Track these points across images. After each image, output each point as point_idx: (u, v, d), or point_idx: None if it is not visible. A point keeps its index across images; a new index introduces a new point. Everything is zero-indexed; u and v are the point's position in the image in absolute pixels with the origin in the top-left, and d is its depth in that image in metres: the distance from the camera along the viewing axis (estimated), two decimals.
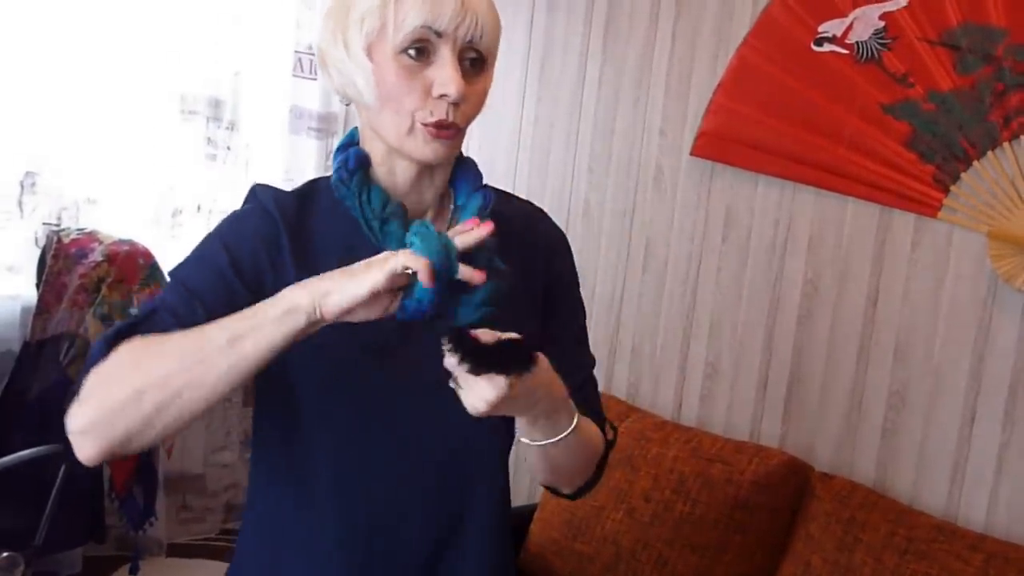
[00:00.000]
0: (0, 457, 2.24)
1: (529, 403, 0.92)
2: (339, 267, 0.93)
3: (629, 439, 2.20)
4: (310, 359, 1.00)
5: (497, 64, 1.06)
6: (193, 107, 3.05)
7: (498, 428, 1.06)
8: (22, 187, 2.75)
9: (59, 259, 2.45)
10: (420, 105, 0.97)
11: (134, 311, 1.00)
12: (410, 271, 0.88)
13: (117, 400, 0.88)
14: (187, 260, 1.03)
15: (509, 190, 1.20)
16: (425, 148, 0.99)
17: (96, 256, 2.37)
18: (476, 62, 0.99)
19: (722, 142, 2.25)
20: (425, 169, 1.04)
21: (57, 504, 2.19)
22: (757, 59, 2.17)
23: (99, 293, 2.34)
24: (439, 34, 0.96)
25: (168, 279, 1.03)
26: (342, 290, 0.87)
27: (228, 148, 3.14)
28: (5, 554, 2.13)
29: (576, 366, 1.10)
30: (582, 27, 2.58)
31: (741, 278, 2.26)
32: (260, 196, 1.05)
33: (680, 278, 2.38)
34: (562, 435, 0.98)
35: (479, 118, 1.08)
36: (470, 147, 1.12)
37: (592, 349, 1.17)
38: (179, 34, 2.96)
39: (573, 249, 1.20)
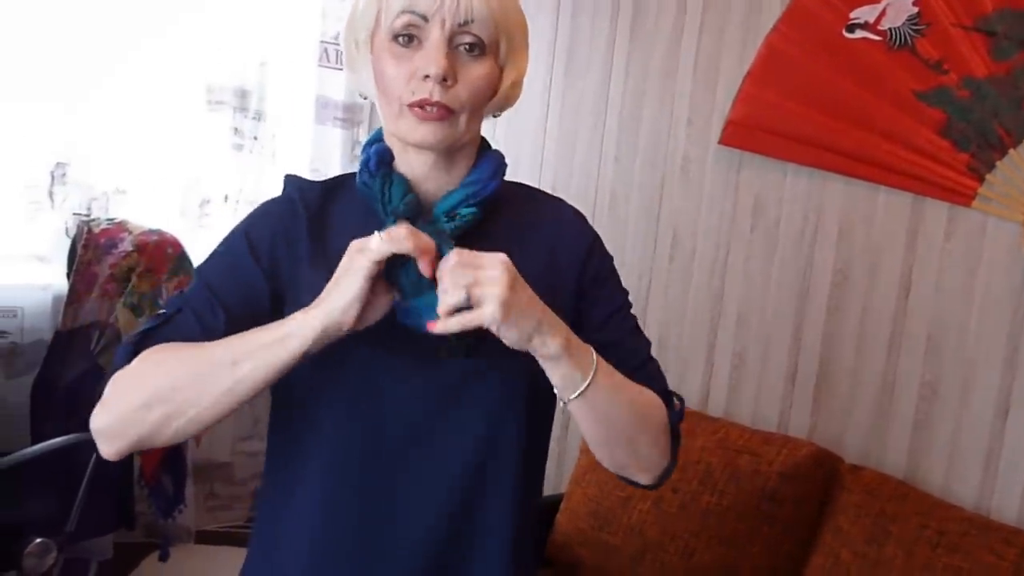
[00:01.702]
0: (33, 445, 2.27)
1: (533, 308, 0.92)
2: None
3: None
4: (316, 366, 1.00)
5: (526, 57, 1.06)
6: (220, 97, 3.06)
7: (512, 438, 1.05)
8: (52, 178, 2.78)
9: (89, 249, 2.47)
10: (405, 88, 0.98)
11: (161, 305, 1.01)
12: (383, 256, 0.90)
13: (129, 409, 0.93)
14: (213, 253, 1.06)
15: (535, 181, 1.19)
16: (415, 131, 0.99)
17: (126, 246, 2.39)
18: (473, 47, 0.98)
19: (751, 131, 2.23)
20: (438, 159, 1.03)
21: (88, 492, 2.22)
22: (787, 47, 2.15)
23: (129, 283, 2.36)
24: (424, 18, 0.97)
25: (195, 272, 1.06)
26: (340, 288, 0.90)
27: (255, 138, 3.15)
28: (37, 540, 2.15)
29: (630, 353, 1.08)
30: (609, 16, 2.56)
31: (769, 268, 2.24)
32: (288, 186, 1.08)
33: (707, 268, 2.36)
34: (591, 374, 0.96)
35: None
36: (495, 139, 1.11)
37: None
38: (205, 25, 2.97)
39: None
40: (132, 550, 2.73)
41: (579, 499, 2.25)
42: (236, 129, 3.11)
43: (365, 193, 1.04)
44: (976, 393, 1.90)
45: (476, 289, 0.89)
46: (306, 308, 0.92)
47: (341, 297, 0.90)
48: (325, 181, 1.10)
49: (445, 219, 1.01)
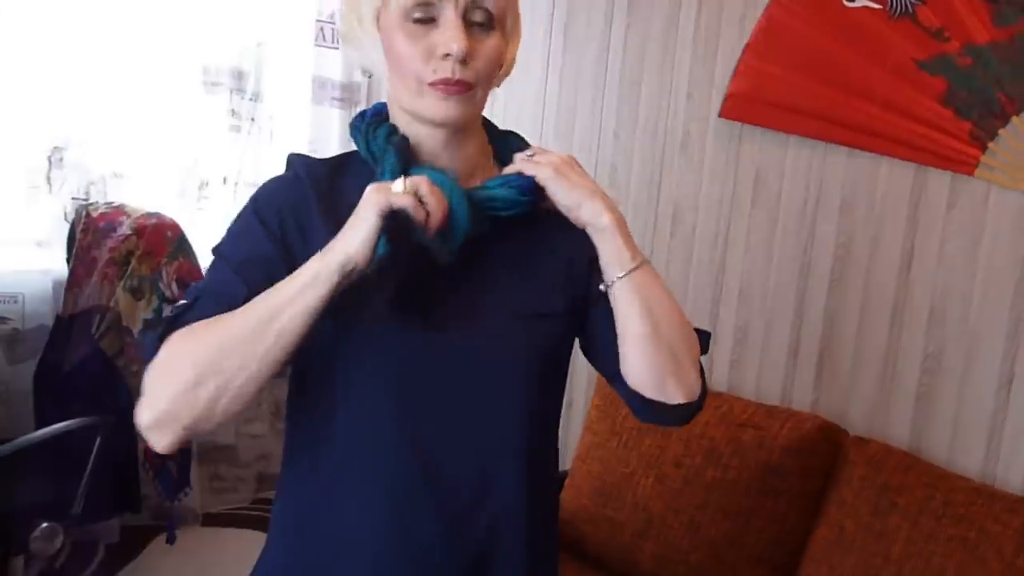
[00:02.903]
0: (37, 430, 2.28)
1: (588, 183, 1.06)
2: None
3: None
4: (353, 342, 1.01)
5: (521, 29, 1.07)
6: (216, 79, 3.04)
7: (526, 435, 1.06)
8: (50, 162, 2.77)
9: (88, 233, 2.46)
10: (424, 67, 0.99)
11: (163, 289, 1.01)
12: (396, 208, 0.91)
13: (178, 391, 0.91)
14: (227, 234, 1.05)
15: None
16: (436, 108, 1.00)
17: (124, 230, 2.38)
18: (484, 23, 1.00)
19: (751, 103, 2.21)
20: (451, 136, 1.05)
21: (93, 475, 2.22)
22: (787, 18, 2.12)
23: (128, 266, 2.35)
24: None
25: (213, 253, 1.05)
26: (356, 232, 0.91)
27: (252, 120, 3.13)
28: (44, 525, 2.16)
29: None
30: None
31: (771, 242, 2.23)
32: (294, 164, 1.08)
33: (709, 243, 2.35)
34: (640, 258, 1.04)
35: (503, 86, 1.09)
36: (493, 116, 1.12)
37: None
38: (201, 6, 2.94)
39: None
40: (139, 533, 2.74)
41: (583, 476, 2.26)
42: (233, 111, 3.09)
43: (353, 136, 1.09)
44: (980, 364, 1.89)
45: (540, 155, 1.06)
46: (323, 250, 0.92)
47: (355, 235, 0.91)
48: (329, 159, 1.11)
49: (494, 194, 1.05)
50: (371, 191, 0.92)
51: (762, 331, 2.25)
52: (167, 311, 1.01)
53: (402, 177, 0.93)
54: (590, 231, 1.05)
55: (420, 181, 0.93)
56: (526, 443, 1.07)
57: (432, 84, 0.99)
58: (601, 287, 1.06)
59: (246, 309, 0.93)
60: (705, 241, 2.35)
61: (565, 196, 1.04)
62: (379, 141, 1.04)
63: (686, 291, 2.40)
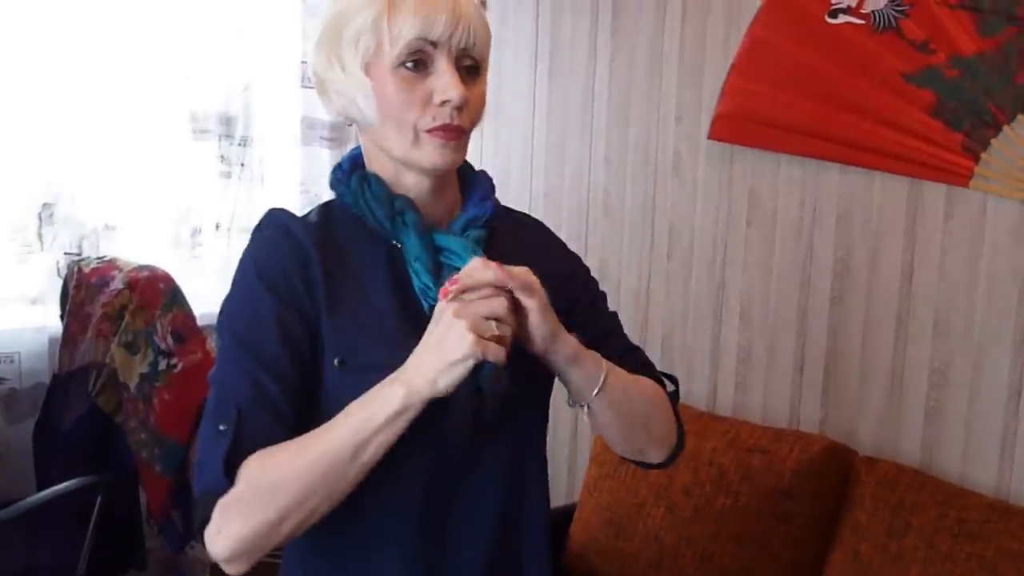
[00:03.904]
0: (38, 492, 2.25)
1: (552, 318, 0.97)
2: (372, 281, 0.99)
3: None
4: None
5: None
6: (204, 126, 3.03)
7: (538, 442, 1.11)
8: (40, 218, 2.76)
9: (81, 289, 2.45)
10: (421, 115, 0.99)
11: (220, 426, 0.94)
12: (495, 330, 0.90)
13: (260, 528, 0.91)
14: (234, 319, 0.99)
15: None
16: (435, 155, 1.00)
17: (117, 284, 2.37)
18: (472, 69, 1.01)
19: (740, 123, 2.20)
20: (438, 181, 1.05)
21: (96, 534, 2.19)
22: (770, 36, 2.11)
23: (122, 321, 2.33)
24: (434, 44, 0.98)
25: (221, 341, 1.00)
26: (449, 374, 0.89)
27: (242, 164, 3.12)
28: None
29: (619, 341, 1.17)
30: (589, 19, 2.53)
31: (769, 261, 2.20)
32: (282, 220, 1.03)
33: (707, 265, 2.33)
34: (603, 373, 1.01)
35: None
36: (483, 149, 1.12)
37: None
38: (185, 53, 2.94)
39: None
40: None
41: (592, 508, 2.22)
42: (223, 156, 3.08)
43: (342, 193, 1.06)
44: (987, 376, 1.86)
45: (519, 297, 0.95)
46: (402, 373, 0.90)
47: (445, 376, 0.89)
48: (315, 212, 1.08)
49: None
50: (463, 329, 0.88)
51: (765, 351, 2.23)
52: (206, 435, 0.95)
53: (493, 323, 0.90)
54: (558, 361, 0.99)
55: (502, 314, 0.91)
56: (545, 489, 1.13)
57: (430, 131, 0.98)
58: (570, 404, 1.05)
59: (323, 442, 0.90)
60: (703, 262, 2.33)
61: (543, 333, 0.97)
62: (381, 203, 1.02)
63: (687, 314, 2.37)
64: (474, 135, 1.07)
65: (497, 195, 1.13)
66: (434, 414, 0.92)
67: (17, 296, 2.74)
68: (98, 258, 2.54)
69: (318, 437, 0.91)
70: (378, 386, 0.91)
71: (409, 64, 0.97)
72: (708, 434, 2.12)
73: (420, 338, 0.97)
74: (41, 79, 2.71)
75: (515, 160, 2.72)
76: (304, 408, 0.97)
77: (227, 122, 3.07)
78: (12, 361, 2.65)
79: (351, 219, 1.05)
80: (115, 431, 2.34)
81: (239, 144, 3.12)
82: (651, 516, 2.09)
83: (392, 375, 0.91)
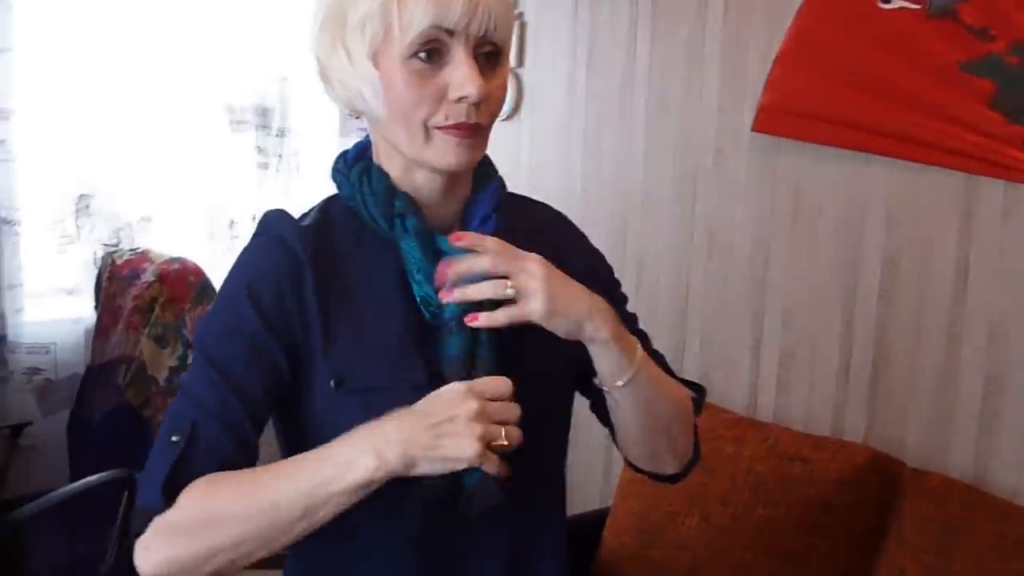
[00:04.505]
0: (72, 482, 2.25)
1: (582, 295, 0.91)
2: (367, 289, 0.92)
3: (702, 438, 2.07)
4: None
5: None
6: (241, 117, 3.02)
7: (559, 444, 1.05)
8: (77, 210, 2.77)
9: (113, 281, 2.44)
10: (433, 112, 0.89)
11: (171, 439, 0.89)
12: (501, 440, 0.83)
13: (188, 560, 0.85)
14: (212, 327, 0.93)
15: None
16: (448, 155, 0.91)
17: (148, 276, 2.36)
18: (491, 55, 0.91)
19: (785, 116, 2.09)
20: (450, 178, 0.96)
21: (123, 529, 2.18)
22: (818, 24, 2.00)
23: (152, 314, 2.32)
24: (450, 32, 0.87)
25: (195, 349, 0.93)
26: (435, 466, 0.81)
27: (279, 156, 3.10)
28: None
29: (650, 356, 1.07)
30: (628, 6, 2.44)
31: (814, 260, 2.10)
32: (276, 227, 0.96)
33: (748, 263, 2.23)
34: (635, 364, 0.94)
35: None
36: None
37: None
38: (223, 44, 2.93)
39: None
40: None
41: (624, 514, 2.15)
42: (260, 148, 3.07)
43: (340, 183, 0.98)
44: None
45: (519, 278, 0.88)
46: (377, 438, 0.81)
47: (429, 467, 0.82)
48: (314, 209, 1.00)
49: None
50: (473, 435, 0.80)
51: (808, 354, 2.12)
52: (159, 444, 0.89)
53: (503, 433, 0.83)
54: (589, 345, 0.93)
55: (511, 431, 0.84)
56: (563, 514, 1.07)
57: (443, 128, 0.89)
58: (596, 383, 0.98)
59: (278, 491, 0.82)
60: (744, 262, 2.24)
61: (565, 327, 0.90)
62: (379, 201, 0.94)
63: (726, 315, 2.28)
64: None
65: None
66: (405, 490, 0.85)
67: (54, 287, 2.75)
68: (131, 250, 2.54)
69: (268, 484, 0.84)
70: (345, 443, 0.83)
71: (422, 55, 0.87)
72: (747, 440, 2.03)
73: (424, 355, 0.91)
74: (80, 73, 2.71)
75: (551, 153, 2.64)
76: (291, 432, 0.92)
77: (264, 113, 3.05)
78: (48, 352, 2.66)
79: (351, 217, 0.98)
80: (143, 426, 2.33)
81: (276, 135, 3.10)
82: (684, 525, 2.01)
83: (365, 431, 0.82)
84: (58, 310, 2.72)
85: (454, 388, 0.83)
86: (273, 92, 3.04)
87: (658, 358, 1.12)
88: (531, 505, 1.01)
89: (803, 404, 2.13)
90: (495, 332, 0.91)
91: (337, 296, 0.93)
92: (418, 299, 0.93)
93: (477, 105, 0.89)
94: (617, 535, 2.15)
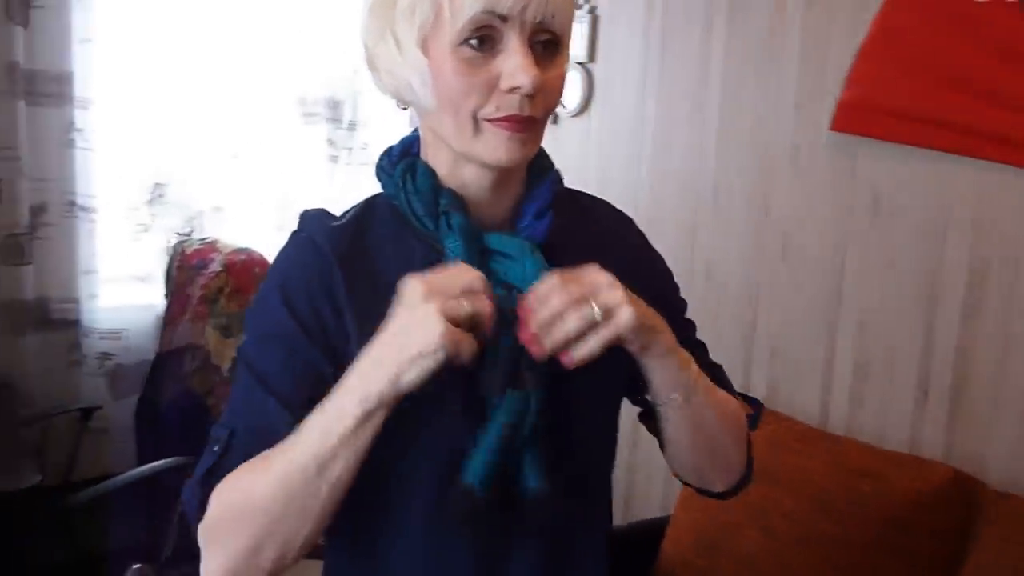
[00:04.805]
0: (139, 467, 2.29)
1: (646, 307, 0.86)
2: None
3: (767, 448, 1.99)
4: (410, 455, 0.88)
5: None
6: (313, 109, 3.04)
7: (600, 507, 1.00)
8: (151, 199, 2.82)
9: (183, 270, 2.48)
10: (483, 102, 0.84)
11: (211, 448, 0.87)
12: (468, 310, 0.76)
13: (239, 562, 0.82)
14: (251, 333, 0.90)
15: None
16: (498, 149, 0.85)
17: (215, 266, 2.38)
18: (549, 44, 0.85)
19: (867, 113, 1.99)
20: (501, 176, 0.91)
21: (182, 517, 2.21)
22: (905, 17, 1.90)
23: (218, 304, 2.34)
24: (504, 18, 0.82)
25: (237, 356, 0.92)
26: (414, 369, 0.76)
27: (349, 149, 3.11)
28: (136, 566, 2.16)
29: (706, 369, 1.01)
30: None
31: (894, 266, 1.99)
32: (309, 227, 0.92)
33: (823, 268, 2.13)
34: (690, 378, 0.90)
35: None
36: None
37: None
38: (295, 37, 2.94)
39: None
40: None
41: (684, 524, 2.08)
42: (330, 141, 3.08)
43: (384, 183, 0.93)
44: None
45: (600, 297, 0.81)
46: (357, 372, 0.79)
47: (407, 371, 0.76)
48: (349, 214, 0.95)
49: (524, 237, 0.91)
50: (432, 313, 0.75)
51: (885, 366, 2.02)
52: (204, 453, 0.87)
53: (465, 303, 0.77)
54: (647, 359, 0.88)
55: (479, 287, 0.78)
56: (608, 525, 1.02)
57: (493, 121, 0.84)
58: (648, 397, 0.93)
59: (285, 458, 0.80)
60: (818, 266, 2.14)
61: (642, 341, 0.85)
62: (424, 199, 0.90)
63: (798, 321, 2.18)
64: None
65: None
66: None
67: (128, 274, 2.81)
68: (200, 240, 2.57)
69: (279, 456, 0.81)
70: (336, 391, 0.80)
71: (473, 42, 0.82)
72: (815, 453, 1.94)
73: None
74: (157, 64, 2.76)
75: (621, 147, 2.58)
76: None
77: (335, 106, 3.06)
78: (120, 338, 2.72)
79: (394, 215, 0.93)
80: (207, 414, 2.36)
81: (347, 128, 3.11)
82: (746, 538, 1.93)
83: (349, 373, 0.79)
84: (131, 297, 2.78)
85: (405, 288, 0.79)
86: (344, 85, 3.05)
87: (715, 369, 1.06)
88: (572, 517, 0.96)
89: (877, 417, 2.03)
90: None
91: (371, 298, 0.87)
92: None
93: (531, 97, 0.83)
94: (676, 545, 2.09)
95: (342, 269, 0.88)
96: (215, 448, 0.85)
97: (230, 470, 0.83)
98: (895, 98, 1.93)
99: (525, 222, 0.93)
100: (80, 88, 2.60)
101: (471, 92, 0.83)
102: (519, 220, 0.93)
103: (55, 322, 2.66)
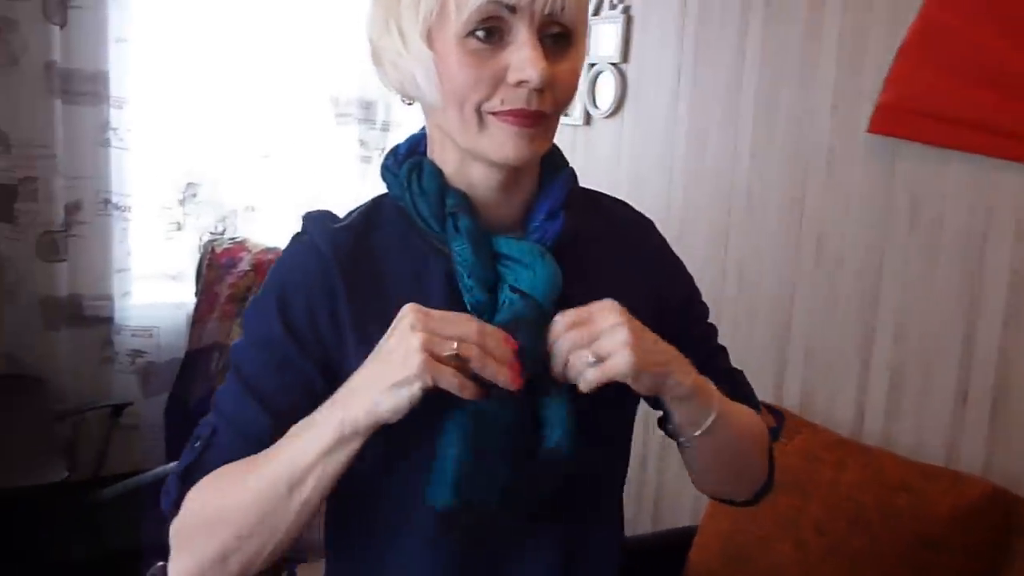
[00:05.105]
0: (168, 463, 2.30)
1: (662, 349, 0.84)
2: (408, 298, 0.81)
3: (798, 459, 1.94)
4: (404, 473, 0.86)
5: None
6: (345, 110, 3.04)
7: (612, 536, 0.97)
8: (184, 198, 2.84)
9: (212, 269, 2.49)
10: (490, 96, 0.81)
11: (193, 444, 0.86)
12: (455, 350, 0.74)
13: (207, 565, 0.81)
14: (246, 336, 0.89)
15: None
16: (505, 145, 0.82)
17: (244, 266, 2.38)
18: (560, 38, 0.82)
19: (906, 115, 1.93)
20: (511, 174, 0.87)
21: None
22: (946, 16, 1.83)
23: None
24: (512, 9, 0.79)
25: (232, 368, 0.90)
26: (391, 398, 0.74)
27: (382, 150, 3.11)
28: (160, 563, 2.17)
29: (727, 376, 1.00)
30: None
31: (932, 272, 1.93)
32: (311, 229, 0.90)
33: (859, 273, 2.07)
34: (713, 414, 0.88)
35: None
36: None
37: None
38: (328, 36, 2.95)
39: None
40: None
41: (711, 534, 2.03)
42: (362, 141, 3.08)
43: (389, 182, 0.91)
44: None
45: (601, 343, 0.79)
46: (342, 393, 0.78)
47: (387, 399, 0.74)
48: (354, 215, 0.93)
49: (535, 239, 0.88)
50: (414, 345, 0.73)
51: (922, 376, 1.95)
52: (185, 449, 0.87)
53: (453, 343, 0.74)
54: (667, 400, 0.86)
55: (486, 336, 0.76)
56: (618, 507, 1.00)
57: (498, 115, 0.81)
58: (670, 429, 0.91)
59: (257, 474, 0.79)
60: (854, 272, 2.08)
61: (650, 383, 0.83)
62: (430, 199, 0.87)
63: (833, 328, 2.12)
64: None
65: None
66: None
67: (160, 272, 2.83)
68: (230, 239, 2.58)
69: (254, 468, 0.80)
70: (321, 406, 0.78)
71: (480, 33, 0.79)
72: (848, 465, 1.89)
73: None
74: (191, 64, 2.78)
75: (654, 148, 2.54)
76: None
77: (367, 107, 3.06)
78: (151, 335, 2.74)
79: (400, 217, 0.90)
80: None
81: (380, 129, 3.11)
82: (776, 551, 1.88)
83: (337, 392, 0.78)
84: (163, 295, 2.80)
85: (399, 315, 0.77)
86: (377, 85, 3.03)
87: (735, 375, 1.03)
88: (583, 528, 0.93)
89: (914, 429, 1.96)
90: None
91: (374, 304, 0.86)
92: (469, 307, 0.85)
93: (540, 92, 0.80)
94: (703, 556, 2.04)
95: (343, 276, 0.86)
96: (196, 445, 0.84)
97: (208, 470, 0.82)
98: (935, 100, 1.87)
99: (536, 223, 0.89)
100: (115, 87, 2.63)
101: (477, 85, 0.80)
102: (531, 220, 0.90)
103: (88, 319, 2.68)
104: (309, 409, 0.81)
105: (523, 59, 0.79)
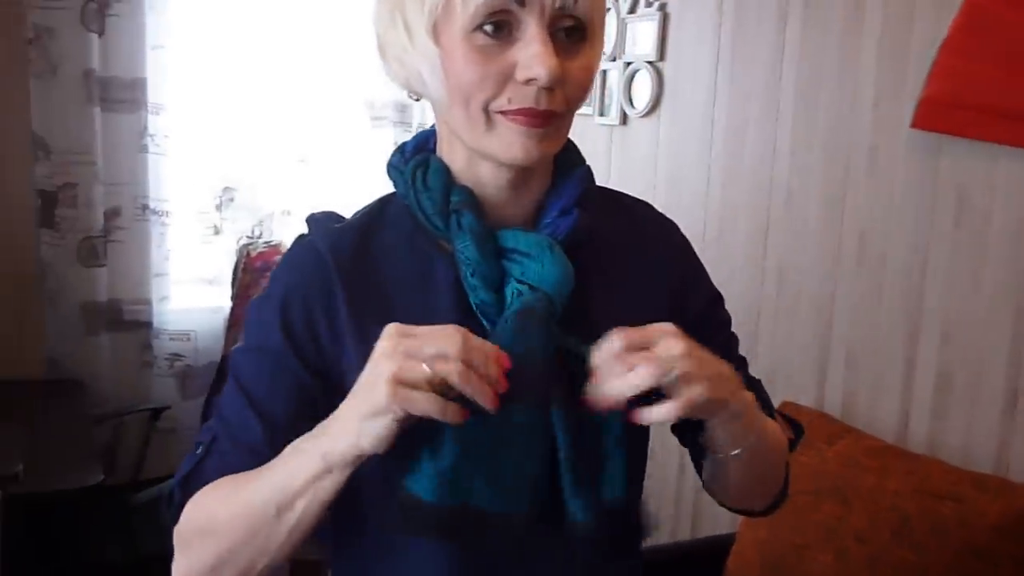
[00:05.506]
0: None
1: (721, 372, 0.79)
2: (411, 301, 0.82)
3: (839, 466, 1.88)
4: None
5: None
6: (381, 113, 3.04)
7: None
8: (221, 203, 2.86)
9: (247, 273, 2.50)
10: (497, 93, 0.77)
11: (195, 451, 0.85)
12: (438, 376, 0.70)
13: (203, 567, 0.81)
14: (245, 341, 0.87)
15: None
16: (513, 145, 0.79)
17: None
18: (574, 32, 0.78)
19: (950, 110, 1.86)
20: (521, 172, 0.84)
21: None
22: (993, 5, 1.77)
23: None
24: (521, 2, 0.75)
25: (230, 375, 0.89)
26: (369, 429, 0.70)
27: None
28: None
29: (748, 387, 0.93)
30: None
31: (979, 272, 1.86)
32: (313, 231, 0.88)
33: (903, 273, 2.00)
34: (754, 435, 0.86)
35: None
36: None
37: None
38: (363, 40, 2.95)
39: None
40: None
41: (749, 542, 1.98)
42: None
43: (394, 179, 0.89)
44: None
45: (669, 373, 0.73)
46: (331, 421, 0.75)
47: (368, 429, 0.70)
48: (358, 217, 0.91)
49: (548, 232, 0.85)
50: (381, 378, 0.69)
51: (970, 379, 1.88)
52: (187, 458, 0.86)
53: (424, 366, 0.69)
54: (715, 422, 0.82)
55: (472, 352, 0.70)
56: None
57: (506, 114, 0.78)
58: (702, 441, 0.87)
59: (253, 491, 0.77)
60: (898, 272, 2.01)
61: (713, 408, 0.78)
62: (434, 196, 0.84)
63: (877, 330, 2.06)
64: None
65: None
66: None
67: (198, 276, 2.86)
68: (265, 243, 2.58)
69: (247, 485, 0.78)
70: (311, 434, 0.76)
71: (487, 28, 0.76)
72: (891, 472, 1.82)
73: None
74: (227, 70, 2.80)
75: (691, 147, 2.49)
76: None
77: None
78: (188, 339, 2.76)
79: (406, 217, 0.88)
80: None
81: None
82: (816, 561, 1.83)
83: (327, 420, 0.75)
84: (200, 299, 2.83)
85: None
86: None
87: (755, 386, 0.98)
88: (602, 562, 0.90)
89: (961, 435, 1.89)
90: (572, 360, 0.79)
91: (375, 306, 0.83)
92: (474, 306, 0.83)
93: (550, 90, 0.77)
94: (741, 565, 1.99)
95: (343, 281, 0.84)
96: (197, 451, 0.83)
97: (208, 478, 0.81)
98: (982, 93, 1.80)
99: (548, 219, 0.86)
100: (153, 94, 2.65)
101: (484, 82, 0.77)
102: (543, 216, 0.87)
103: (127, 323, 2.71)
104: (308, 415, 0.79)
105: (532, 55, 0.75)
